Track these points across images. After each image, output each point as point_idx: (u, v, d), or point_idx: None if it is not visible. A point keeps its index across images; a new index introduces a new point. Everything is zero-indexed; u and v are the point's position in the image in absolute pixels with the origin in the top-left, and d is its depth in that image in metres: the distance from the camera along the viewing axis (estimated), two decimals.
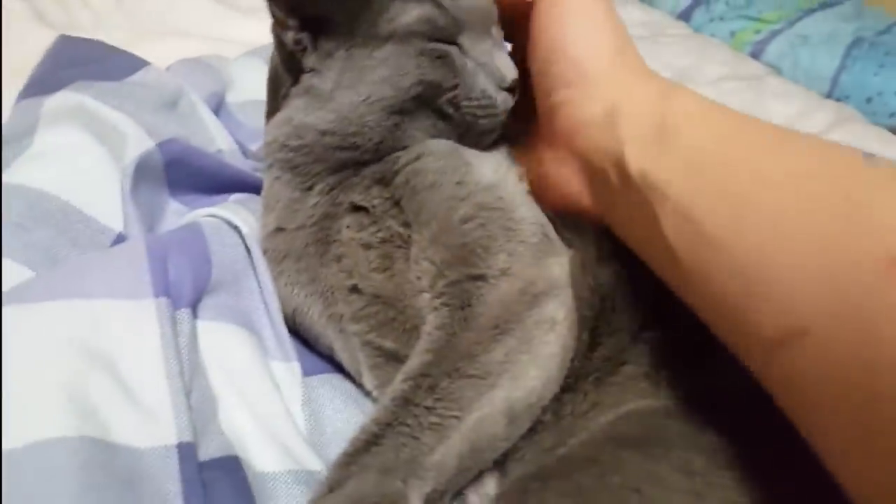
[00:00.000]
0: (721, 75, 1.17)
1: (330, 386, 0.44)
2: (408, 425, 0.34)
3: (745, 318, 0.31)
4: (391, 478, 0.32)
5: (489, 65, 0.43)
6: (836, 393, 0.27)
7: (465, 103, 0.42)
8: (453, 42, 0.42)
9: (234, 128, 0.65)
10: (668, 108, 0.36)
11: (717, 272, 0.32)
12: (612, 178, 0.37)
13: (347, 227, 0.42)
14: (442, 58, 0.41)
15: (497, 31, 0.45)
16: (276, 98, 0.46)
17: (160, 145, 0.49)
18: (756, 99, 1.09)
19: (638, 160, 0.35)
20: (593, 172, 0.39)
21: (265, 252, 0.45)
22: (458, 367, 0.35)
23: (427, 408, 0.34)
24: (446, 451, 0.34)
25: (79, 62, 0.57)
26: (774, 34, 1.53)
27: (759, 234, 0.30)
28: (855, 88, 1.42)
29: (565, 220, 0.42)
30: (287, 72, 0.43)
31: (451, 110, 0.43)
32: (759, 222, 0.30)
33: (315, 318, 0.43)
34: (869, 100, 1.41)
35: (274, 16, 0.41)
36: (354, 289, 0.41)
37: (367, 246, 0.42)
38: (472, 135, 0.44)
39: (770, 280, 0.29)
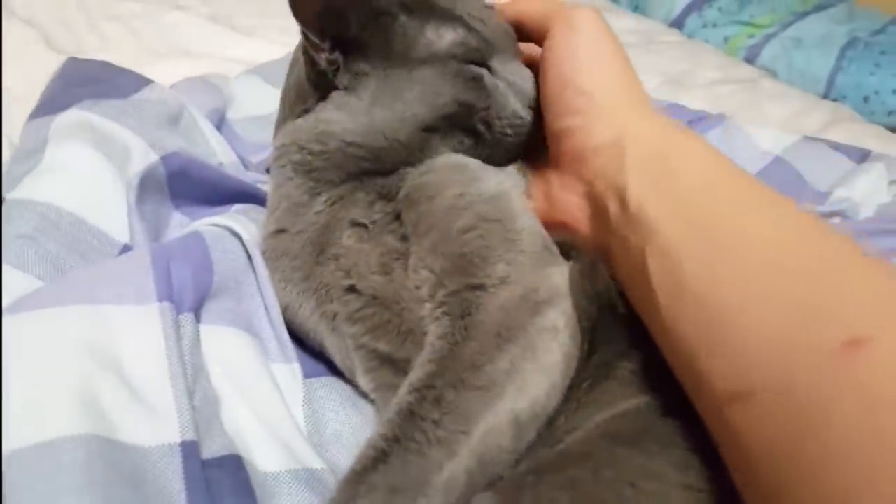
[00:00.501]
0: (714, 79, 1.18)
1: (330, 388, 0.45)
2: (415, 441, 0.34)
3: (702, 370, 0.32)
4: (400, 498, 0.32)
5: (517, 84, 0.45)
6: (773, 460, 0.28)
7: (496, 122, 0.45)
8: (485, 64, 0.45)
9: (235, 142, 0.67)
10: (671, 147, 0.38)
11: (687, 319, 0.33)
12: (611, 207, 0.38)
13: (348, 236, 0.43)
14: (475, 79, 0.44)
15: (519, 52, 0.48)
16: (291, 109, 0.47)
17: (163, 158, 0.51)
18: (751, 101, 1.10)
19: (638, 193, 0.37)
20: (595, 199, 0.40)
21: (264, 252, 0.47)
22: (462, 377, 0.35)
23: (434, 421, 0.34)
24: (455, 468, 0.34)
25: (86, 82, 0.58)
26: (768, 38, 1.54)
27: (730, 292, 0.31)
28: (851, 88, 1.43)
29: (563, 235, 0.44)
30: (314, 88, 0.45)
31: (482, 129, 0.45)
32: (733, 280, 0.31)
33: (307, 315, 0.44)
34: (866, 99, 1.42)
35: (307, 39, 0.42)
36: (352, 289, 0.42)
37: (367, 252, 0.43)
38: (499, 151, 0.46)
39: (731, 338, 0.30)
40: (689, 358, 0.33)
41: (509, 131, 0.45)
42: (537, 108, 0.46)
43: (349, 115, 0.43)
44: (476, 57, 0.44)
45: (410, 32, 0.43)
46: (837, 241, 0.32)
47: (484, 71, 0.44)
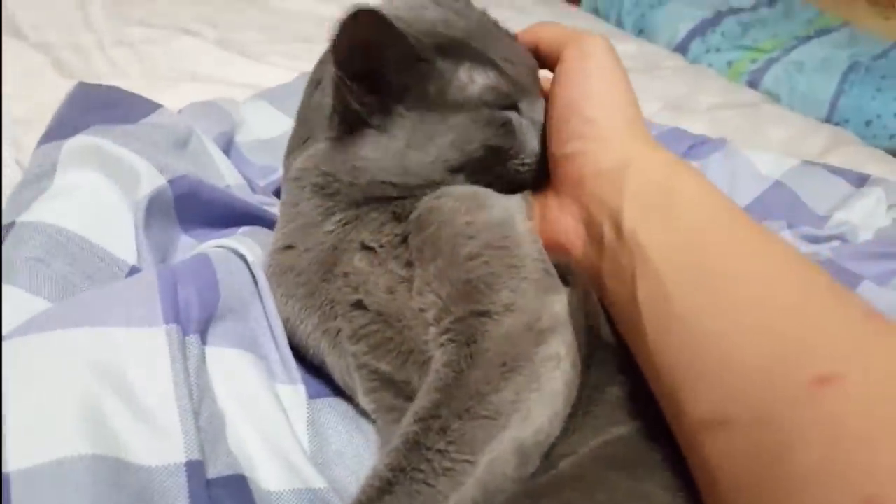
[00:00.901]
0: (715, 104, 1.19)
1: (333, 409, 0.45)
2: (421, 471, 0.34)
3: (683, 397, 0.33)
4: None
5: (539, 122, 0.47)
6: (744, 489, 0.29)
7: (514, 162, 0.46)
8: (514, 106, 0.46)
9: (244, 165, 0.68)
10: (670, 181, 0.39)
11: (671, 346, 0.34)
12: (606, 231, 0.39)
13: (359, 259, 0.44)
14: (505, 125, 0.45)
15: (540, 86, 0.49)
16: (312, 132, 0.48)
17: (171, 182, 0.52)
18: (752, 126, 1.11)
19: (633, 219, 0.38)
20: (590, 224, 0.41)
21: (269, 267, 0.47)
22: (468, 407, 0.36)
23: (439, 451, 0.35)
24: (460, 498, 0.34)
25: (96, 107, 0.59)
26: (771, 62, 1.56)
27: (714, 323, 0.33)
28: (854, 112, 1.44)
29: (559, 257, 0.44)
30: (342, 119, 0.45)
31: (500, 169, 0.46)
32: (718, 312, 0.33)
33: (308, 331, 0.45)
34: (868, 123, 1.43)
35: (343, 82, 0.42)
36: (359, 304, 0.43)
37: (376, 275, 0.43)
38: (513, 183, 0.47)
39: (712, 368, 0.32)
40: (670, 384, 0.34)
41: (524, 169, 0.47)
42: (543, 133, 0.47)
43: (384, 155, 0.44)
44: (506, 102, 0.45)
45: (445, 76, 0.43)
46: (819, 279, 0.33)
47: (513, 114, 0.45)
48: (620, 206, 0.39)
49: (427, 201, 0.44)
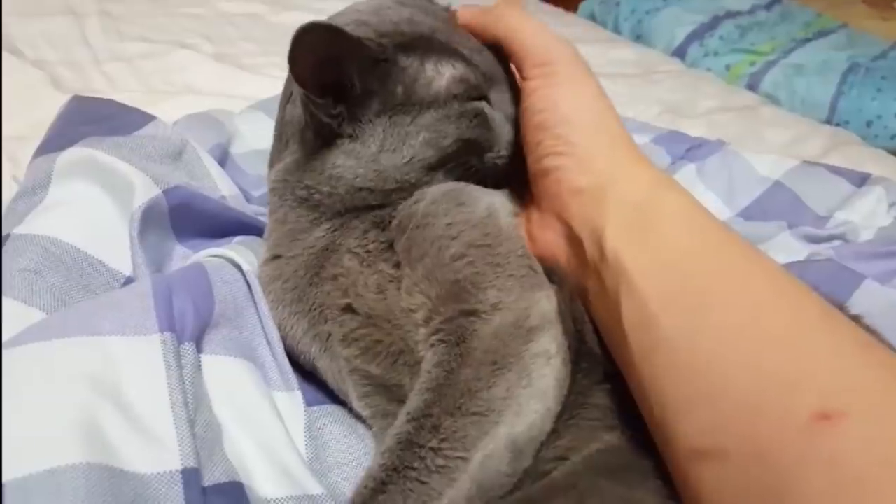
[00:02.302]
0: (714, 108, 1.19)
1: (331, 416, 0.45)
2: (414, 469, 0.34)
3: (672, 423, 0.32)
4: None
5: (512, 115, 0.46)
6: None
7: (489, 155, 0.45)
8: (484, 96, 0.45)
9: (239, 176, 0.68)
10: (654, 200, 0.38)
11: (659, 372, 0.33)
12: (588, 250, 0.39)
13: (349, 259, 0.44)
14: (478, 116, 0.44)
15: (510, 69, 0.48)
16: (287, 146, 0.48)
17: (165, 192, 0.52)
18: (751, 128, 1.11)
19: (615, 241, 0.37)
20: (573, 241, 0.41)
21: (259, 278, 0.47)
22: (460, 404, 0.36)
23: (433, 449, 0.35)
24: (455, 495, 0.34)
25: (90, 120, 0.60)
26: (770, 65, 1.56)
27: (704, 353, 0.32)
28: (854, 113, 1.44)
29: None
30: (315, 134, 0.45)
31: (476, 161, 0.45)
32: (709, 341, 0.32)
33: (298, 336, 0.45)
34: (869, 123, 1.43)
35: (309, 99, 0.43)
36: (348, 308, 0.43)
37: (365, 275, 0.43)
38: (491, 178, 0.46)
39: (703, 397, 0.31)
40: (660, 409, 0.33)
41: (499, 161, 0.46)
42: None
43: (358, 162, 0.44)
44: (476, 92, 0.45)
45: (410, 73, 0.43)
46: (811, 305, 0.32)
47: (484, 104, 0.45)
48: (602, 226, 0.38)
49: (406, 207, 0.43)
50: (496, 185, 0.47)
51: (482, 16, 0.47)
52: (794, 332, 0.31)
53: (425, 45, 0.44)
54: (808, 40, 1.66)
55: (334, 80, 0.42)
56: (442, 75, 0.44)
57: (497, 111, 0.46)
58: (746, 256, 0.35)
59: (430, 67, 0.43)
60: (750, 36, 1.67)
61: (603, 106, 0.43)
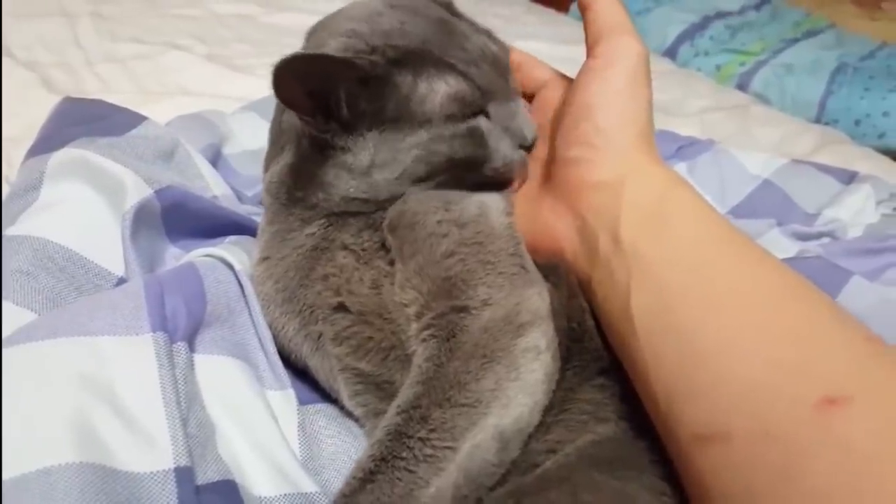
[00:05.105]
0: (705, 107, 1.19)
1: (324, 414, 0.45)
2: (402, 458, 0.35)
3: (678, 409, 0.33)
4: None
5: (512, 127, 0.45)
6: (747, 502, 0.30)
7: (486, 167, 0.45)
8: (481, 110, 0.44)
9: (231, 176, 0.68)
10: (669, 197, 0.39)
11: (668, 359, 0.34)
12: (602, 241, 0.39)
13: (343, 256, 0.44)
14: (471, 134, 0.44)
15: (513, 80, 0.47)
16: (281, 150, 0.48)
17: (158, 192, 0.52)
18: (741, 127, 1.11)
19: (632, 231, 0.38)
20: (586, 232, 0.41)
21: (251, 278, 0.47)
22: (449, 396, 0.36)
23: (421, 439, 0.35)
24: (442, 483, 0.34)
25: (82, 121, 0.60)
26: (759, 65, 1.57)
27: (718, 338, 0.33)
28: (842, 112, 1.45)
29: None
30: (311, 144, 0.45)
31: (471, 174, 0.45)
32: (722, 328, 0.33)
33: (290, 335, 0.45)
34: (857, 122, 1.44)
35: (299, 118, 0.43)
36: (340, 307, 0.43)
37: (361, 271, 0.43)
38: (480, 186, 0.46)
39: (711, 382, 0.32)
40: (665, 396, 0.34)
41: (493, 174, 0.46)
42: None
43: (350, 174, 0.44)
44: (471, 109, 0.44)
45: (403, 90, 0.42)
46: (819, 301, 0.34)
47: (481, 121, 0.44)
48: (618, 216, 0.39)
49: (396, 206, 0.44)
50: (493, 188, 0.47)
51: None
52: (803, 323, 0.32)
53: (419, 59, 0.43)
54: (797, 40, 1.67)
55: (323, 101, 0.42)
56: (436, 93, 0.43)
57: (495, 124, 0.45)
58: (755, 252, 0.37)
59: (423, 84, 0.43)
60: (740, 36, 1.68)
61: (647, 102, 0.43)
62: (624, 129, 0.42)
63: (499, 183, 0.47)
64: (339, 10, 0.48)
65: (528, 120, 0.46)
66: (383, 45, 0.42)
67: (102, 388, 0.36)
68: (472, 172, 0.45)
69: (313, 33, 0.48)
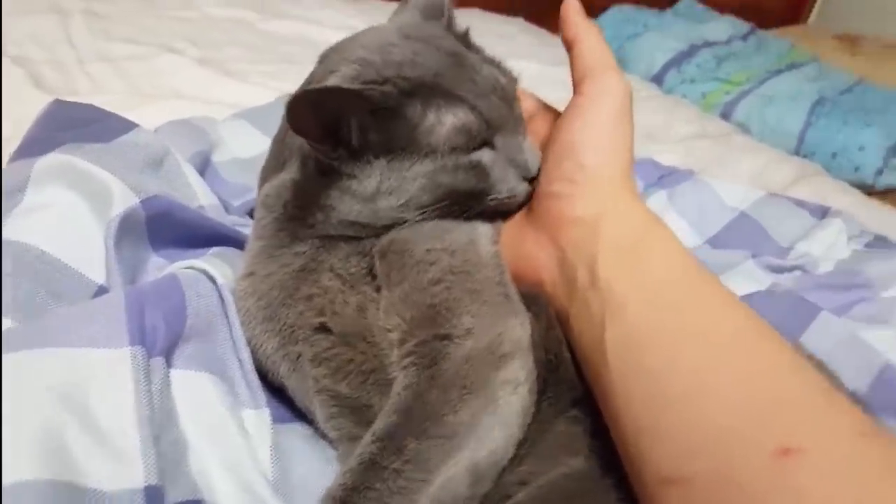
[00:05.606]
0: (688, 134, 1.22)
1: (297, 434, 0.46)
2: (375, 489, 0.35)
3: (645, 448, 0.34)
4: None
5: (517, 159, 0.46)
6: None
7: (488, 198, 0.46)
8: (487, 142, 0.45)
9: (219, 184, 0.68)
10: (646, 236, 0.41)
11: (636, 399, 0.35)
12: (580, 275, 0.40)
13: (329, 278, 0.44)
14: (475, 166, 0.44)
15: (518, 109, 0.48)
16: (284, 165, 0.48)
17: (143, 202, 0.52)
18: (722, 156, 1.14)
19: (608, 268, 0.39)
20: (565, 266, 0.42)
21: (234, 293, 0.47)
22: (425, 427, 0.37)
23: (395, 470, 0.36)
24: None
25: (70, 125, 0.59)
26: (743, 94, 1.60)
27: (684, 380, 0.34)
28: (820, 145, 1.48)
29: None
30: (317, 166, 0.44)
31: (473, 204, 0.45)
32: (689, 371, 0.34)
33: (269, 353, 0.45)
34: (834, 155, 1.47)
35: (309, 145, 0.43)
36: (322, 327, 0.43)
37: (346, 293, 0.44)
38: (482, 215, 0.47)
39: (677, 424, 0.33)
40: (634, 435, 0.35)
41: (496, 205, 0.46)
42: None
43: (354, 199, 0.44)
44: (476, 142, 0.44)
45: (412, 120, 0.42)
46: (780, 348, 0.35)
47: (485, 153, 0.44)
48: (596, 253, 0.40)
49: (389, 235, 0.44)
50: (493, 217, 0.47)
51: (572, 16, 0.47)
52: (764, 371, 0.34)
53: (428, 90, 0.43)
54: (780, 71, 1.71)
55: (334, 129, 0.42)
56: (443, 124, 0.43)
57: (500, 155, 0.45)
58: (724, 296, 0.38)
59: (431, 115, 0.43)
60: (726, 65, 1.71)
61: (630, 140, 0.44)
62: (606, 166, 0.43)
63: (501, 212, 0.48)
64: (353, 36, 0.48)
65: (533, 152, 0.47)
66: (395, 76, 0.42)
67: (77, 404, 0.36)
68: (475, 202, 0.46)
69: (325, 58, 0.48)
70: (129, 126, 0.61)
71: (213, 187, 0.64)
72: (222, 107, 0.89)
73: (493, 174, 0.45)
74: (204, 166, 0.70)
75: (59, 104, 0.64)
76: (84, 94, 0.91)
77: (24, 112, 0.67)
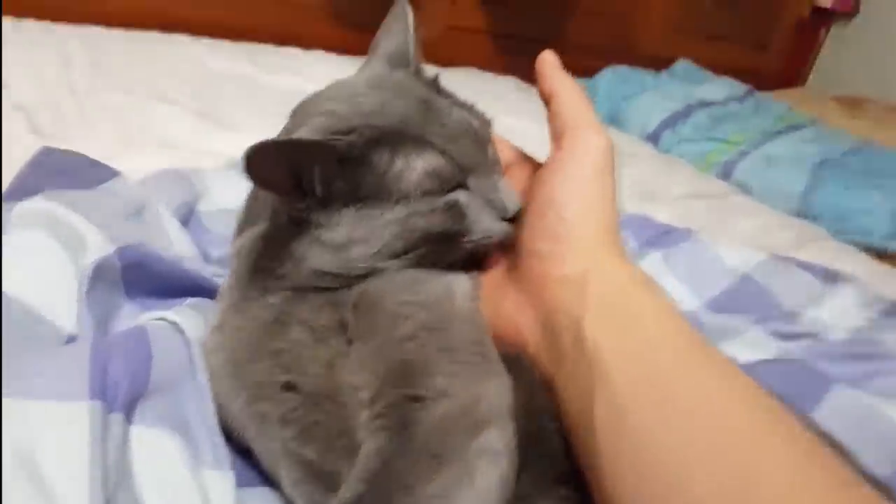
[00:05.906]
0: (685, 193, 1.21)
1: (263, 500, 0.43)
2: None
3: None
4: None
5: (493, 199, 0.45)
6: None
7: (464, 241, 0.44)
8: (460, 185, 0.44)
9: (201, 233, 0.67)
10: (633, 296, 0.39)
11: (624, 465, 0.33)
12: (565, 340, 0.38)
13: (298, 332, 0.42)
14: (449, 208, 0.43)
15: (493, 151, 0.47)
16: (256, 219, 0.47)
17: (119, 250, 0.51)
18: (720, 217, 1.13)
19: (595, 330, 0.37)
20: (549, 329, 0.40)
21: (203, 346, 0.46)
22: (392, 500, 0.34)
23: None
24: None
25: (55, 172, 0.60)
26: (742, 155, 1.60)
27: (669, 449, 0.32)
28: (826, 207, 1.47)
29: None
30: (288, 219, 0.44)
31: (448, 247, 0.44)
32: (672, 441, 0.33)
33: (235, 412, 0.43)
34: (839, 218, 1.46)
35: (274, 198, 0.42)
36: (289, 386, 0.41)
37: (314, 349, 0.42)
38: (459, 259, 0.45)
39: (665, 495, 0.32)
40: (620, 501, 0.33)
41: (471, 247, 0.45)
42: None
43: (324, 249, 0.42)
44: (449, 185, 0.43)
45: (380, 168, 0.42)
46: (771, 411, 0.34)
47: (460, 194, 0.44)
48: (582, 315, 0.38)
49: (362, 286, 0.43)
50: (468, 263, 0.46)
51: (548, 70, 0.46)
52: (749, 438, 0.32)
53: (397, 137, 0.42)
54: (779, 133, 1.71)
55: (298, 181, 0.41)
56: (413, 169, 0.42)
57: (475, 196, 0.44)
58: (713, 359, 0.36)
59: (399, 161, 0.42)
60: (722, 126, 1.72)
61: (613, 197, 0.43)
62: (588, 223, 0.41)
63: (479, 257, 0.46)
64: (322, 90, 0.48)
65: (510, 191, 0.46)
66: (362, 126, 0.42)
67: (26, 459, 0.34)
68: (451, 246, 0.44)
69: (295, 113, 0.48)
70: (111, 174, 0.61)
71: (195, 237, 0.63)
72: (213, 157, 0.89)
73: (469, 214, 0.44)
74: (188, 217, 0.69)
75: (47, 151, 0.64)
76: (79, 141, 0.90)
77: (15, 156, 0.66)
